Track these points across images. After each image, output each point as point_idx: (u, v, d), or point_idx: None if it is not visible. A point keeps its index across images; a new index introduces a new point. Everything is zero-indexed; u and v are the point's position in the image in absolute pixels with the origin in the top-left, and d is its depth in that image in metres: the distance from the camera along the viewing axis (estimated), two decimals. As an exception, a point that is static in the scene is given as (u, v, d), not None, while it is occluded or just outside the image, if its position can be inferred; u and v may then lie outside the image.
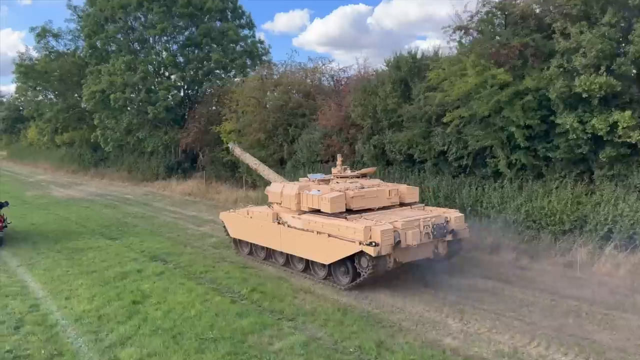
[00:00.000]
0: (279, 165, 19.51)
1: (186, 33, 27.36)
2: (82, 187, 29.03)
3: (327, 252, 9.13)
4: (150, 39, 27.93)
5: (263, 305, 8.39)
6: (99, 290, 9.29)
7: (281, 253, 10.58)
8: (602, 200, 9.82)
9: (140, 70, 25.18)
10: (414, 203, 10.25)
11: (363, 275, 8.70)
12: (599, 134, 9.53)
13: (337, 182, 10.35)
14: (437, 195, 12.63)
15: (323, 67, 20.83)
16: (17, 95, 45.08)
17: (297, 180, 11.87)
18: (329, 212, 9.26)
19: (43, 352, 6.77)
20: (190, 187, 24.20)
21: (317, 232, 9.32)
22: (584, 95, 9.37)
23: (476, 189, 11.99)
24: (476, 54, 10.79)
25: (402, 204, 10.13)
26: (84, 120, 35.09)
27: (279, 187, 10.72)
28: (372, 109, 14.30)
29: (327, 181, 10.49)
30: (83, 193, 25.90)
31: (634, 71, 9.46)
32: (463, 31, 11.51)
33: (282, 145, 19.06)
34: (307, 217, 9.73)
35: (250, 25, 29.35)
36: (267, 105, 19.83)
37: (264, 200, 12.78)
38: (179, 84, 27.14)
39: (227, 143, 22.18)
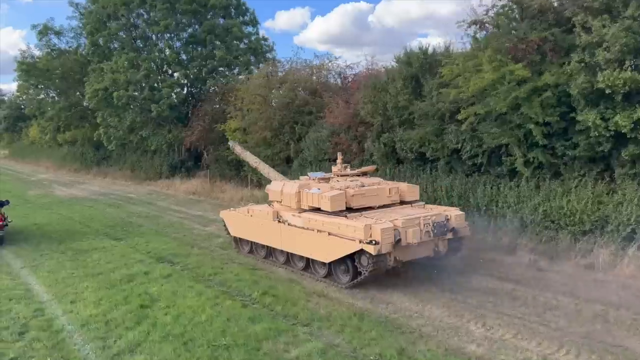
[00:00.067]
0: (285, 163, 19.23)
1: (189, 30, 27.04)
2: (85, 186, 28.77)
3: (328, 251, 9.12)
4: (153, 36, 27.63)
5: (276, 309, 8.09)
6: (105, 294, 8.99)
7: (281, 251, 10.55)
8: (624, 200, 9.49)
9: (143, 67, 24.87)
10: (415, 201, 10.19)
11: (363, 273, 8.67)
12: (622, 131, 9.20)
13: (338, 181, 10.31)
14: (451, 194, 12.32)
15: (329, 64, 20.51)
16: (18, 93, 44.77)
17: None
18: (329, 210, 9.23)
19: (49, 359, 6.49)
20: (194, 186, 23.91)
21: (318, 231, 9.29)
22: (607, 91, 9.04)
23: (491, 188, 11.67)
24: (492, 49, 10.46)
25: (402, 202, 10.10)
26: (86, 119, 34.82)
27: (279, 186, 10.71)
28: (382, 106, 13.98)
29: (327, 179, 10.47)
30: (86, 192, 25.64)
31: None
32: (478, 26, 11.16)
33: (288, 144, 18.75)
34: (308, 215, 9.71)
35: (254, 22, 29.06)
36: (273, 103, 19.48)
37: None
38: (182, 81, 26.83)
39: (238, 141, 21.96)
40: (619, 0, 9.24)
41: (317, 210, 9.63)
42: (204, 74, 26.21)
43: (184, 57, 27.17)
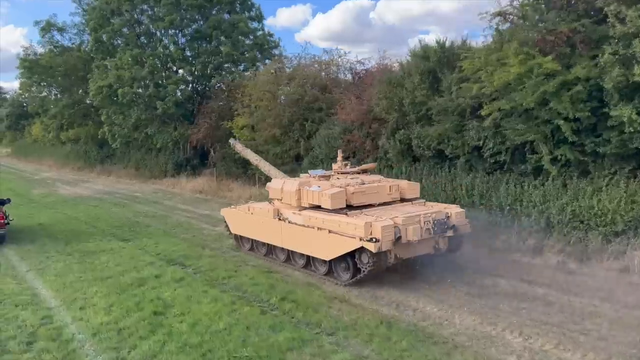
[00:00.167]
0: (295, 161, 18.80)
1: (194, 26, 26.57)
2: (89, 184, 28.37)
3: (328, 248, 9.14)
4: (158, 32, 27.17)
5: (297, 316, 7.66)
6: (116, 299, 8.57)
7: (282, 249, 10.54)
8: (660, 199, 9.03)
9: (148, 64, 24.42)
10: (415, 199, 10.19)
11: (364, 271, 8.66)
12: (658, 127, 8.73)
13: (338, 178, 10.30)
14: (471, 193, 11.86)
15: (339, 60, 20.03)
16: (21, 91, 44.36)
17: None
18: (330, 208, 9.24)
19: (60, 373, 6.08)
20: (200, 185, 23.48)
21: (318, 228, 9.28)
22: (644, 84, 8.58)
23: (515, 186, 11.20)
24: (518, 41, 9.97)
25: (402, 200, 10.09)
26: (90, 117, 34.41)
27: (280, 183, 10.72)
28: (398, 102, 13.51)
29: (327, 177, 10.46)
30: (90, 191, 25.24)
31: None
32: (502, 17, 10.67)
33: (298, 141, 18.30)
34: (308, 213, 9.71)
35: (260, 18, 28.52)
36: (282, 100, 19.02)
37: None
38: (187, 78, 26.37)
39: (239, 139, 21.50)
40: (654, -12, 8.75)
41: (318, 207, 9.62)
42: (209, 71, 25.75)
43: (188, 53, 26.72)
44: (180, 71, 26.89)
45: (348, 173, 10.75)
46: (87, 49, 30.82)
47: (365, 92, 16.09)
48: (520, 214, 10.87)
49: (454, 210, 9.38)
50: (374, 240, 8.24)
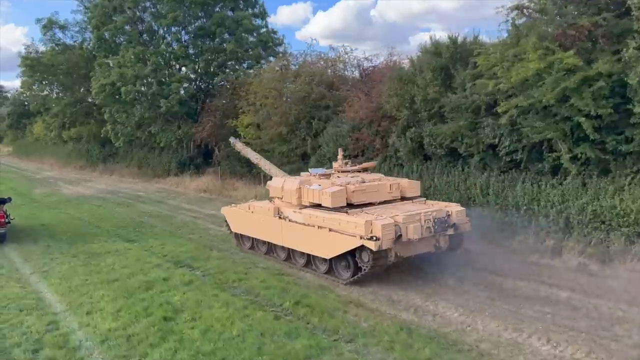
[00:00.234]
0: (301, 160, 18.49)
1: (198, 23, 26.23)
2: (92, 183, 28.10)
3: (328, 247, 9.13)
4: (160, 30, 26.86)
5: (312, 322, 7.37)
6: (124, 304, 8.28)
7: (282, 248, 10.53)
8: (686, 199, 8.72)
9: (151, 62, 24.10)
10: (416, 197, 10.19)
11: (364, 269, 8.64)
12: (685, 124, 8.41)
13: (338, 177, 10.28)
14: (486, 192, 11.55)
15: (346, 57, 19.69)
16: (22, 89, 44.01)
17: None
18: (330, 206, 9.24)
19: (67, 384, 5.79)
20: (205, 184, 23.17)
21: (318, 227, 9.29)
22: (670, 80, 8.26)
23: (531, 185, 10.88)
24: (537, 36, 9.65)
25: (403, 198, 10.09)
26: (92, 115, 34.14)
27: (280, 182, 10.72)
28: (409, 99, 13.18)
29: (328, 175, 10.46)
30: (93, 190, 24.96)
31: None
32: (519, 11, 10.34)
33: (305, 140, 17.98)
34: (308, 211, 9.71)
35: (263, 15, 28.18)
36: (288, 98, 18.69)
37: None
38: (191, 76, 26.04)
39: (238, 138, 21.19)
40: (681, -20, 8.43)
41: (318, 206, 9.60)
42: (213, 68, 25.42)
43: (191, 51, 26.39)
44: (183, 69, 26.57)
45: (348, 171, 10.72)
46: (89, 46, 30.52)
47: (374, 89, 15.78)
48: (537, 214, 10.55)
49: (454, 208, 9.34)
50: (374, 238, 8.22)
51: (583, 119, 9.37)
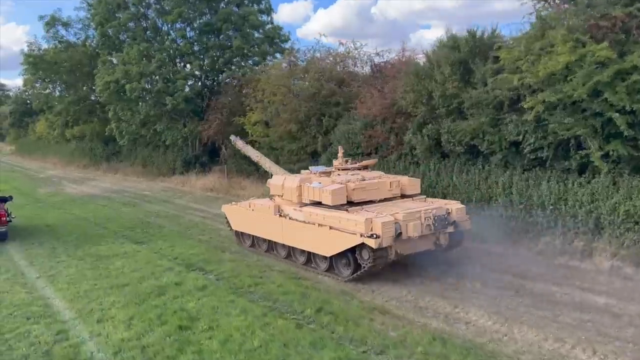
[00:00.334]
0: (311, 158, 18.03)
1: (203, 19, 25.74)
2: (96, 182, 27.72)
3: (329, 245, 9.14)
4: (165, 26, 26.38)
5: (337, 330, 6.94)
6: (136, 311, 7.86)
7: (283, 245, 10.55)
8: None
9: (156, 58, 23.63)
10: (416, 195, 10.16)
11: (364, 267, 8.65)
12: None
13: (339, 175, 10.26)
14: (509, 191, 11.09)
15: (355, 52, 19.20)
16: (25, 87, 43.58)
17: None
18: (330, 204, 9.25)
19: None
20: (211, 183, 22.77)
21: (319, 225, 9.30)
22: None
23: (557, 184, 10.43)
24: (567, 27, 9.18)
25: (403, 196, 10.07)
26: (95, 113, 33.67)
27: (280, 180, 10.72)
28: (426, 95, 12.71)
29: (328, 173, 10.44)
30: (97, 189, 24.57)
31: None
32: (545, 2, 9.87)
33: (315, 137, 17.51)
34: (309, 209, 9.72)
35: (269, 11, 27.65)
36: (299, 94, 18.22)
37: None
38: (196, 73, 25.56)
39: (253, 135, 20.77)
40: None
41: (318, 204, 9.61)
42: (219, 65, 24.96)
43: (196, 48, 25.90)
44: (188, 66, 26.10)
45: (349, 169, 10.70)
46: (92, 44, 30.06)
47: (387, 85, 15.31)
48: (564, 214, 10.10)
49: (454, 206, 9.36)
50: (374, 236, 8.23)
51: (616, 114, 8.90)
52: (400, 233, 8.40)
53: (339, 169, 10.75)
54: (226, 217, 12.35)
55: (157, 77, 24.36)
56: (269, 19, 27.36)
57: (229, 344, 6.58)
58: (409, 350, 6.28)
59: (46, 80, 33.85)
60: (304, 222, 9.68)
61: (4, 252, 12.04)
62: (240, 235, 11.97)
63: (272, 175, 12.22)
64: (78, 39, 31.63)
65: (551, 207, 10.28)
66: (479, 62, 11.97)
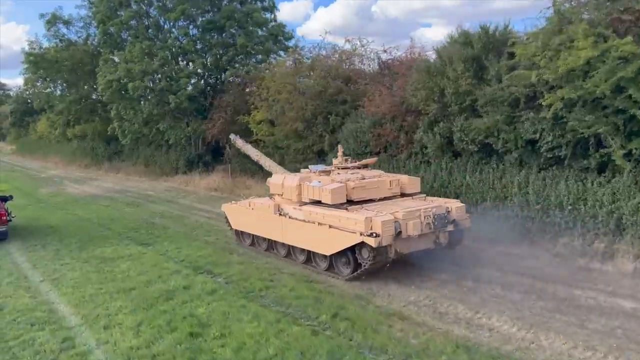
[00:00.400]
0: (318, 157, 17.73)
1: (206, 17, 25.42)
2: (98, 182, 27.42)
3: (328, 243, 9.13)
4: (167, 24, 26.08)
5: (355, 338, 6.64)
6: (144, 317, 7.57)
7: (283, 244, 10.55)
8: None
9: (159, 56, 23.31)
10: (416, 193, 10.14)
11: (364, 266, 8.64)
12: None
13: (338, 173, 10.24)
14: (525, 191, 10.78)
15: (362, 49, 18.86)
16: (26, 87, 43.27)
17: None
18: (330, 203, 9.24)
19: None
20: (215, 182, 22.46)
21: (318, 224, 9.28)
22: None
23: (575, 183, 10.12)
24: (588, 22, 8.87)
25: (403, 195, 10.06)
26: (96, 112, 33.38)
27: (280, 179, 10.72)
28: (438, 92, 12.40)
29: (328, 172, 10.42)
30: (100, 189, 24.28)
31: None
32: (565, -5, 9.56)
33: (322, 136, 17.21)
34: (308, 208, 9.71)
35: (272, 8, 27.33)
36: (305, 92, 17.89)
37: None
38: (199, 71, 25.24)
39: (257, 134, 20.48)
40: None
41: (318, 203, 9.60)
42: (222, 63, 24.64)
43: (199, 46, 25.59)
44: (191, 64, 25.79)
45: (348, 168, 10.70)
46: (94, 42, 29.75)
47: (395, 82, 15.01)
48: (584, 215, 9.79)
49: (454, 204, 9.34)
50: (374, 235, 8.22)
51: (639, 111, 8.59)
52: (400, 232, 8.39)
53: (338, 168, 10.72)
54: (226, 216, 12.37)
55: (160, 75, 24.06)
56: (272, 16, 27.09)
57: (243, 352, 6.29)
58: (432, 359, 5.99)
59: (47, 79, 33.53)
60: (304, 221, 9.66)
61: (6, 255, 11.77)
62: (240, 234, 11.97)
63: (272, 174, 12.12)
64: (79, 37, 31.36)
65: (570, 207, 9.97)
66: (492, 59, 11.67)
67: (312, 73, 18.66)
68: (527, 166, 11.17)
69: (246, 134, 21.30)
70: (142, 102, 24.55)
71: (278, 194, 10.71)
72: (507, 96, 10.84)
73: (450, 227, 9.03)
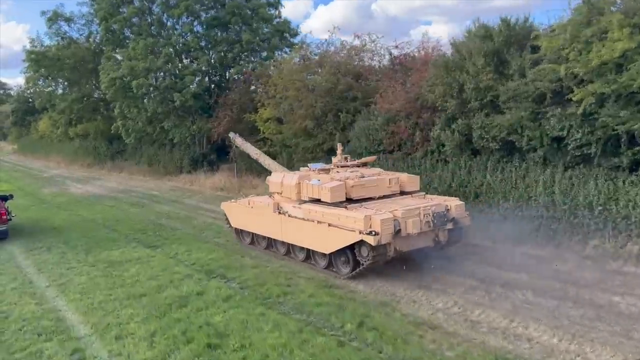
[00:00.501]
0: (327, 156, 17.26)
1: (210, 13, 24.95)
2: (101, 182, 27.00)
3: (328, 242, 9.13)
4: (170, 21, 25.62)
5: (385, 350, 6.20)
6: (157, 326, 7.14)
7: (282, 243, 10.56)
8: None
9: (163, 54, 22.85)
10: (415, 192, 10.13)
11: (363, 264, 8.64)
12: None
13: (337, 172, 10.21)
14: (551, 191, 10.33)
15: (372, 45, 18.39)
16: (27, 85, 42.80)
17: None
18: (329, 201, 9.23)
19: None
20: (220, 181, 22.04)
21: (318, 222, 9.26)
22: None
23: (605, 182, 9.67)
24: (623, 12, 8.40)
25: (402, 193, 10.04)
26: (99, 111, 33.02)
27: (280, 177, 10.70)
28: (457, 88, 11.95)
29: (327, 170, 10.37)
30: (103, 189, 23.85)
31: None
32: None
33: (332, 134, 16.74)
34: (308, 206, 9.68)
35: (277, 4, 26.86)
36: (314, 89, 17.42)
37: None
38: (204, 68, 24.78)
39: (264, 132, 20.03)
40: None
41: (317, 201, 9.58)
42: (227, 60, 24.19)
43: (202, 43, 25.13)
44: (195, 61, 25.32)
45: (348, 166, 10.67)
46: (96, 40, 29.31)
47: (409, 77, 14.55)
48: (615, 215, 9.33)
49: (453, 203, 9.31)
50: (373, 233, 8.21)
51: (679, 106, 8.13)
52: (400, 230, 8.37)
53: (338, 166, 10.67)
54: (225, 215, 12.35)
55: (164, 73, 23.61)
56: (277, 12, 26.62)
57: (267, 366, 5.85)
58: (472, 374, 5.55)
59: (49, 77, 33.12)
60: (303, 219, 9.63)
61: (10, 259, 11.34)
62: (239, 232, 11.98)
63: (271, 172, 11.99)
64: (81, 35, 31.03)
65: (600, 207, 9.51)
66: (514, 52, 11.22)
67: (320, 69, 18.21)
68: (552, 165, 10.72)
69: (253, 133, 20.90)
70: (145, 100, 24.09)
71: (277, 193, 10.69)
72: (532, 91, 10.39)
73: (449, 225, 9.02)
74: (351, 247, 8.77)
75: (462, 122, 12.06)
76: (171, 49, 23.88)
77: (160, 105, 23.42)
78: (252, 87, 22.51)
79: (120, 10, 25.85)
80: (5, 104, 62.37)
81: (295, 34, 26.57)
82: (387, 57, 17.46)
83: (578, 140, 9.79)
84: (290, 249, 10.39)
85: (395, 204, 9.12)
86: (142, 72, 22.71)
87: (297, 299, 8.08)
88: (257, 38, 23.96)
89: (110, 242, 12.65)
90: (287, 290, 8.56)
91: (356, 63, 18.24)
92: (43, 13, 29.78)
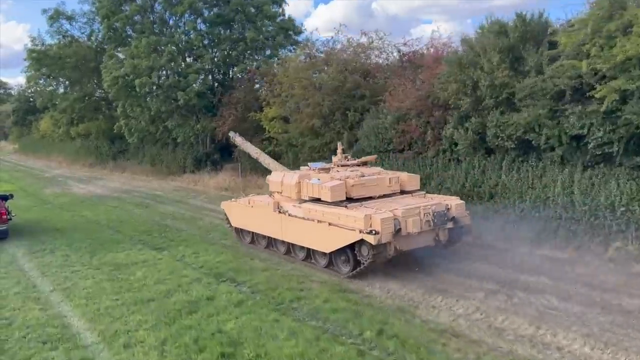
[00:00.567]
0: (334, 155, 16.94)
1: (213, 11, 24.63)
2: (103, 182, 26.71)
3: (328, 241, 9.12)
4: (172, 19, 25.31)
5: (408, 359, 5.90)
6: (167, 333, 6.83)
7: (282, 242, 10.55)
8: None
9: (166, 52, 22.53)
10: (415, 191, 10.12)
11: (363, 263, 8.62)
12: None
13: (338, 171, 10.19)
14: (570, 191, 10.01)
15: (380, 42, 18.04)
16: (28, 84, 42.49)
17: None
18: (329, 200, 9.21)
19: None
20: (225, 181, 21.77)
21: (318, 221, 9.25)
22: None
23: (628, 182, 9.35)
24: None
25: (402, 192, 10.03)
26: (101, 110, 32.70)
27: (280, 176, 10.69)
28: (471, 85, 11.63)
29: (327, 170, 10.34)
30: (106, 189, 23.56)
31: None
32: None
33: (340, 133, 16.42)
34: (308, 206, 9.68)
35: (280, 2, 26.52)
36: (321, 87, 17.11)
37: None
38: (207, 66, 24.47)
39: (270, 132, 19.72)
40: None
41: (318, 200, 9.57)
42: (231, 59, 23.87)
43: (206, 41, 24.81)
44: (199, 60, 25.02)
45: (348, 165, 10.64)
46: (98, 38, 29.00)
47: (419, 75, 14.23)
48: (638, 216, 9.02)
49: (453, 202, 9.28)
50: (373, 232, 8.19)
51: None
52: (400, 229, 8.35)
53: (338, 165, 10.66)
54: (225, 214, 12.33)
55: (168, 71, 23.31)
56: (281, 10, 26.29)
57: (285, 377, 5.55)
58: (504, 386, 5.25)
59: (50, 76, 32.79)
60: (303, 218, 9.61)
61: (12, 261, 11.04)
62: (239, 231, 11.97)
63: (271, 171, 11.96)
64: (83, 33, 30.70)
65: (622, 208, 9.20)
66: (530, 48, 10.89)
67: (327, 67, 17.89)
68: (570, 164, 10.40)
69: (258, 132, 20.60)
70: (149, 99, 23.78)
71: (277, 192, 10.69)
72: (550, 88, 10.06)
73: (449, 225, 9.01)
74: (351, 247, 8.73)
75: (476, 121, 11.74)
76: (174, 47, 23.57)
77: (163, 104, 23.12)
78: (257, 86, 22.23)
79: (122, 8, 25.53)
80: (6, 103, 62.03)
81: (300, 32, 26.27)
82: (396, 54, 17.14)
83: (599, 139, 9.46)
84: (290, 248, 10.35)
85: (396, 203, 9.10)
86: (145, 71, 22.40)
87: (312, 305, 7.78)
88: (262, 36, 23.65)
89: (115, 243, 12.35)
90: (301, 295, 8.26)
91: (363, 61, 17.92)
92: (44, 11, 29.49)
